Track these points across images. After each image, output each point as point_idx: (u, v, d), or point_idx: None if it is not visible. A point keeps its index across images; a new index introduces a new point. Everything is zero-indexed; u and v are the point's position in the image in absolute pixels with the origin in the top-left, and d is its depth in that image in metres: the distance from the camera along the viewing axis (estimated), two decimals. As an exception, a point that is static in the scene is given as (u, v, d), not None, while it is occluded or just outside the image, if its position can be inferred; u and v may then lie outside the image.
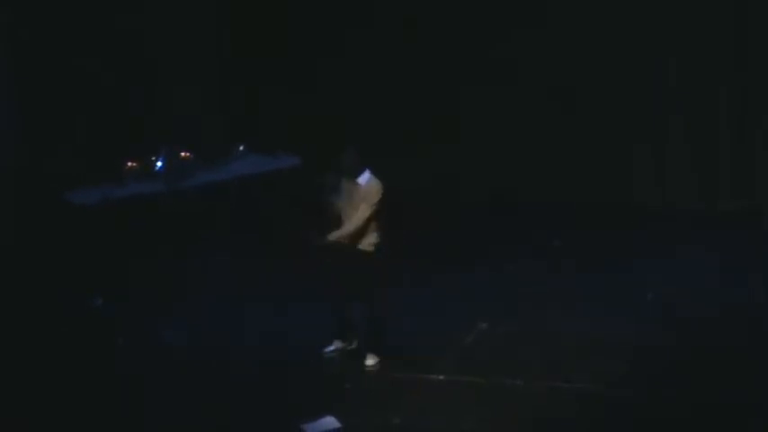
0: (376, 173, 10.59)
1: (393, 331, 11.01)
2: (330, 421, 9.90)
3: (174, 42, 15.96)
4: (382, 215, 10.63)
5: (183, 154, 14.42)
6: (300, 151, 14.76)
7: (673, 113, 14.68)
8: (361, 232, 10.46)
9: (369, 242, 10.54)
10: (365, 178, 10.45)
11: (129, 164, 14.19)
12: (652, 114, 14.75)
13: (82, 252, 13.57)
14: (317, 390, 10.52)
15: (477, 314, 11.73)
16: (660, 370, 10.53)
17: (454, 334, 11.34)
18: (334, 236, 10.50)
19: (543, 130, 15.11)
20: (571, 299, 12.13)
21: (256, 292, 12.89)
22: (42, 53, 15.14)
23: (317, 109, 15.77)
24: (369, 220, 10.45)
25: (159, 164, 14.31)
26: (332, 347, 11.02)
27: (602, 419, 9.80)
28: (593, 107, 14.91)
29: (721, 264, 12.87)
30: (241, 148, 14.79)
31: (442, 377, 10.57)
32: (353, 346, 11.00)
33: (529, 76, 15.11)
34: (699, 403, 9.85)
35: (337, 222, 10.60)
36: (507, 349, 11.05)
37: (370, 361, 10.81)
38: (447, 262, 13.38)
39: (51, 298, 12.79)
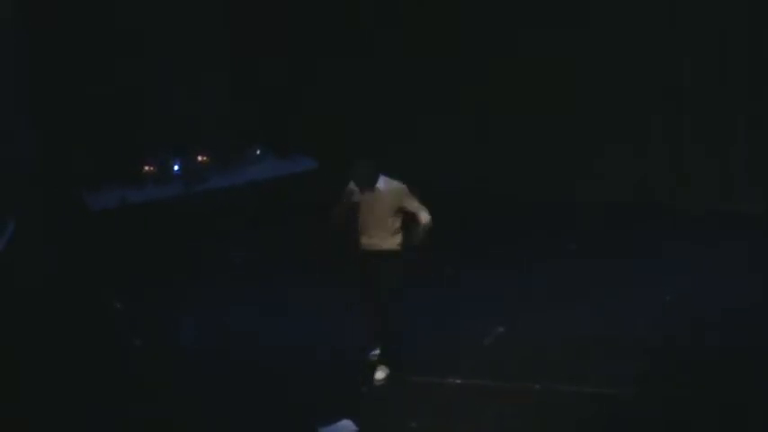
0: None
1: (408, 335, 11.03)
2: (347, 425, 9.93)
3: (178, 43, 16.04)
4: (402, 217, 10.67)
5: (200, 158, 14.45)
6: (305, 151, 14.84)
7: (686, 113, 14.63)
8: (390, 233, 10.51)
9: (397, 242, 10.58)
10: (383, 182, 10.51)
11: (147, 167, 14.25)
12: (667, 114, 14.72)
13: (100, 253, 13.67)
14: (333, 393, 10.53)
15: (491, 316, 11.74)
16: (678, 371, 10.54)
17: (470, 337, 11.36)
18: (424, 232, 10.48)
19: (556, 131, 15.10)
20: (586, 299, 12.13)
21: (273, 293, 12.95)
22: (52, 57, 15.25)
23: (317, 109, 15.83)
24: (396, 221, 10.51)
25: (176, 167, 14.35)
26: (376, 351, 10.94)
27: (620, 422, 9.82)
28: (608, 107, 14.89)
29: (733, 265, 12.82)
30: (258, 151, 14.81)
31: (458, 381, 10.60)
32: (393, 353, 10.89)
33: (539, 78, 15.08)
34: (727, 403, 9.87)
35: (353, 231, 10.62)
36: (523, 352, 11.06)
37: (380, 374, 10.77)
38: (458, 263, 13.33)
39: (70, 299, 12.89)
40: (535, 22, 15.06)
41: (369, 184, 10.47)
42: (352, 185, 10.55)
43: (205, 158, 14.47)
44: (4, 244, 13.39)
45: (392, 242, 10.53)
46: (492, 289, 12.54)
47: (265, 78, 16.50)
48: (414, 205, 10.49)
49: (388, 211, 10.45)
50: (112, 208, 13.98)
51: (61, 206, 14.67)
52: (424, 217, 10.46)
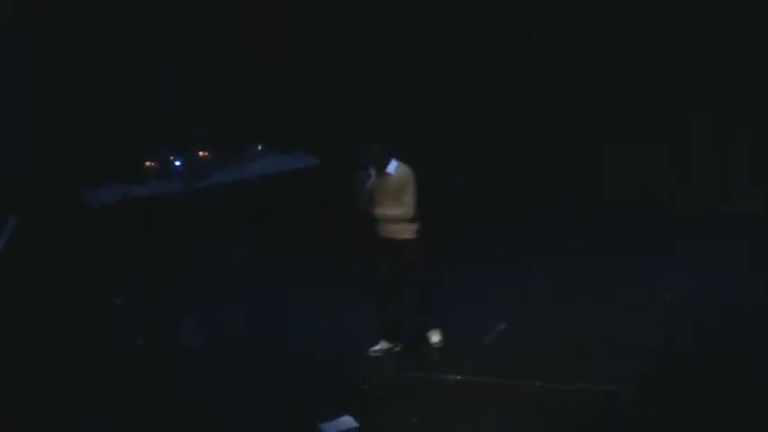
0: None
1: (410, 331, 11.07)
2: (348, 421, 9.94)
3: (178, 43, 16.06)
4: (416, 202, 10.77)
5: (201, 153, 14.46)
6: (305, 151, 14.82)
7: (686, 113, 14.63)
8: (404, 221, 10.61)
9: (412, 230, 10.67)
10: (393, 167, 10.59)
11: (148, 163, 14.26)
12: (667, 114, 14.71)
13: (101, 253, 13.68)
14: (334, 390, 10.55)
15: (491, 316, 11.74)
16: (678, 371, 10.49)
17: (470, 337, 11.35)
18: (380, 212, 10.61)
19: (556, 131, 15.10)
20: (586, 299, 12.13)
21: (273, 293, 12.95)
22: (52, 57, 15.26)
23: (317, 109, 15.83)
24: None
25: (178, 163, 14.36)
26: (378, 347, 11.08)
27: (620, 422, 9.80)
28: (608, 107, 14.88)
29: (733, 265, 12.80)
30: (259, 147, 14.81)
31: (459, 377, 10.60)
32: (398, 348, 11.10)
33: (539, 78, 15.08)
34: (727, 403, 9.83)
35: (369, 216, 10.75)
36: (523, 352, 11.04)
37: (435, 338, 11.01)
38: (460, 261, 13.35)
39: (70, 299, 12.89)
40: (535, 22, 15.07)
41: (381, 168, 10.52)
42: (361, 172, 10.61)
43: (206, 154, 14.50)
44: (4, 243, 13.40)
45: (408, 230, 10.62)
46: (492, 289, 12.54)
47: (265, 78, 16.50)
48: (404, 199, 10.54)
49: (394, 196, 10.54)
50: (112, 204, 14.01)
51: (61, 206, 14.70)
52: (393, 210, 10.52)
